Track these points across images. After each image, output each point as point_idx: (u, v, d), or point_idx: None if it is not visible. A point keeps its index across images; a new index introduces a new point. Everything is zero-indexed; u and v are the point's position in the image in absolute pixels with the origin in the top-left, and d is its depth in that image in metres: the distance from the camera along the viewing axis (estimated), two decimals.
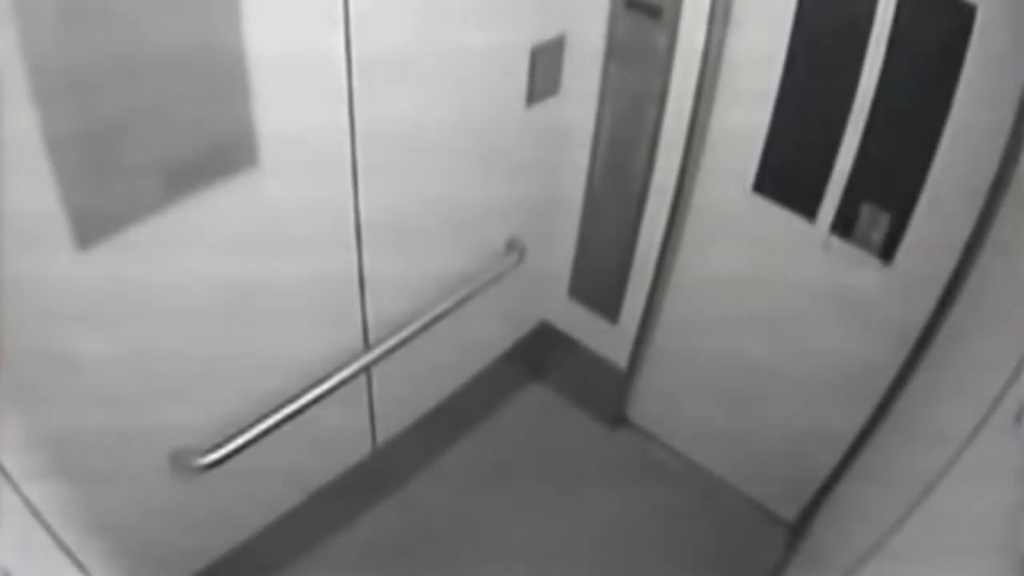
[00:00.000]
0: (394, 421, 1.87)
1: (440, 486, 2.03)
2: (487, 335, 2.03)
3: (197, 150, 1.13)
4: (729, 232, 1.76)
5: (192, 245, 1.19)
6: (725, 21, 1.53)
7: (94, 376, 1.15)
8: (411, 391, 1.88)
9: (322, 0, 1.20)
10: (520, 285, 1.93)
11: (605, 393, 2.17)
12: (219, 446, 1.34)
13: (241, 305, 1.32)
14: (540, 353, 2.23)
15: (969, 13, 1.26)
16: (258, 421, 1.40)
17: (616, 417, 2.21)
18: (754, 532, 2.00)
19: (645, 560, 1.91)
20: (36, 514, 0.89)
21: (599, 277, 2.01)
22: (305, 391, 1.46)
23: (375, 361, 1.59)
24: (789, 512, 1.98)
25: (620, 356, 2.08)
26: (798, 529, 1.92)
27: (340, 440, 1.76)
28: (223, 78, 1.12)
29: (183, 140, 1.11)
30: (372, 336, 1.62)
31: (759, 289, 1.77)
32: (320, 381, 1.48)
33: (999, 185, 1.29)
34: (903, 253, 1.51)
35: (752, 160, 1.64)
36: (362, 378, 1.66)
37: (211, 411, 1.36)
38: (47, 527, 0.92)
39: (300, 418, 1.46)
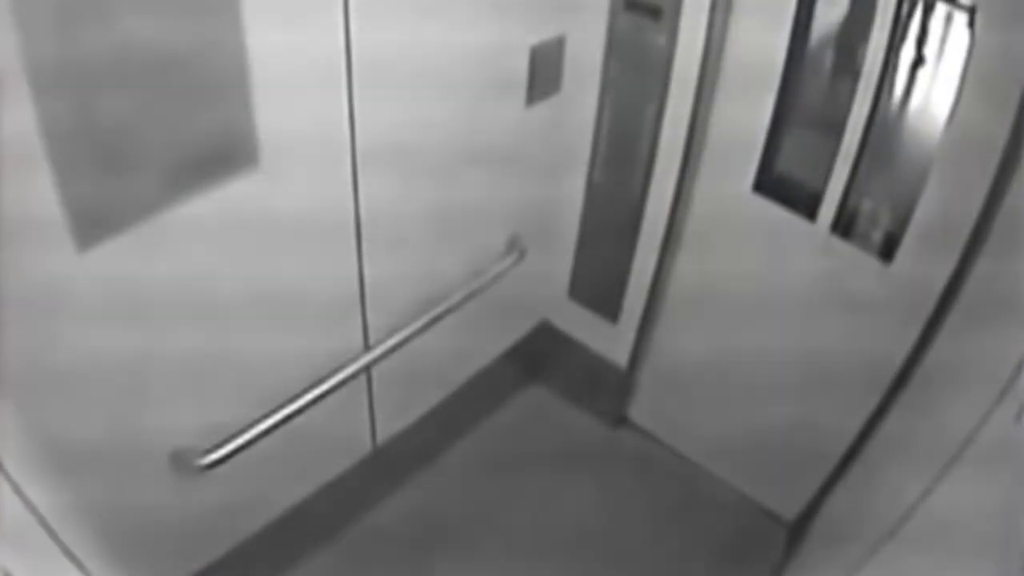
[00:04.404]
0: (394, 421, 1.87)
1: (440, 486, 2.03)
2: (487, 335, 2.03)
3: (197, 150, 1.13)
4: (729, 232, 1.76)
5: (192, 245, 1.19)
6: (725, 21, 1.53)
7: (94, 376, 1.15)
8: (411, 391, 1.88)
9: (322, 0, 1.20)
10: (520, 285, 1.93)
11: (605, 393, 2.17)
12: (219, 446, 1.34)
13: (241, 305, 1.32)
14: (540, 353, 2.22)
15: (969, 13, 1.26)
16: (258, 421, 1.40)
17: (616, 417, 2.21)
18: (754, 532, 2.00)
19: (645, 559, 1.91)
20: (36, 514, 0.89)
21: (599, 277, 2.01)
22: (305, 391, 1.46)
23: (375, 361, 1.59)
24: (789, 512, 1.98)
25: (620, 356, 2.08)
26: (798, 529, 1.92)
27: (340, 440, 1.76)
28: (223, 78, 1.12)
29: (183, 140, 1.11)
30: (372, 336, 1.62)
31: (759, 289, 1.77)
32: (320, 381, 1.48)
33: (999, 185, 1.29)
34: (903, 253, 1.51)
35: (752, 160, 1.64)
36: (362, 378, 1.66)
37: (211, 411, 1.36)
38: (47, 527, 0.92)
39: (300, 418, 1.46)
